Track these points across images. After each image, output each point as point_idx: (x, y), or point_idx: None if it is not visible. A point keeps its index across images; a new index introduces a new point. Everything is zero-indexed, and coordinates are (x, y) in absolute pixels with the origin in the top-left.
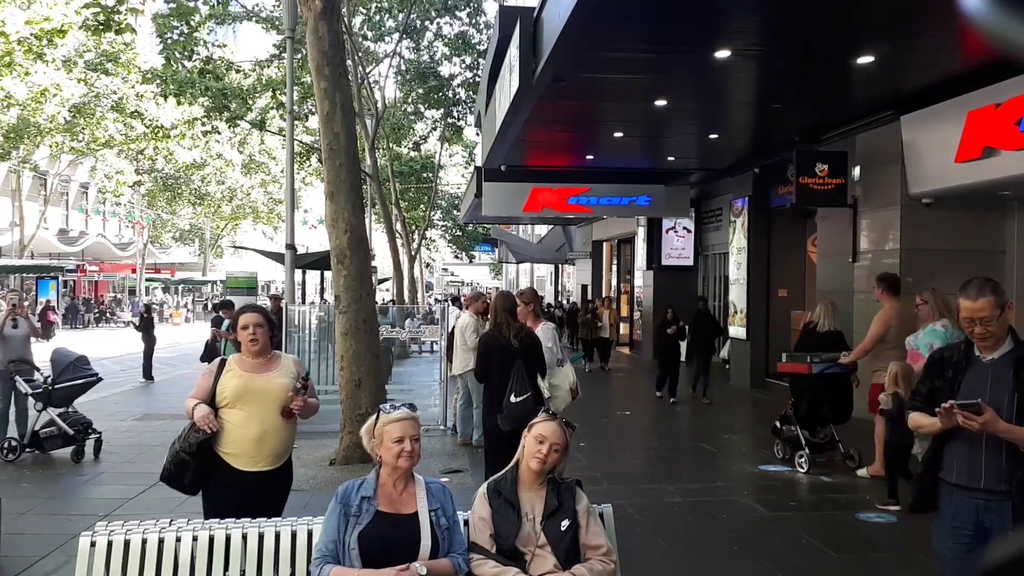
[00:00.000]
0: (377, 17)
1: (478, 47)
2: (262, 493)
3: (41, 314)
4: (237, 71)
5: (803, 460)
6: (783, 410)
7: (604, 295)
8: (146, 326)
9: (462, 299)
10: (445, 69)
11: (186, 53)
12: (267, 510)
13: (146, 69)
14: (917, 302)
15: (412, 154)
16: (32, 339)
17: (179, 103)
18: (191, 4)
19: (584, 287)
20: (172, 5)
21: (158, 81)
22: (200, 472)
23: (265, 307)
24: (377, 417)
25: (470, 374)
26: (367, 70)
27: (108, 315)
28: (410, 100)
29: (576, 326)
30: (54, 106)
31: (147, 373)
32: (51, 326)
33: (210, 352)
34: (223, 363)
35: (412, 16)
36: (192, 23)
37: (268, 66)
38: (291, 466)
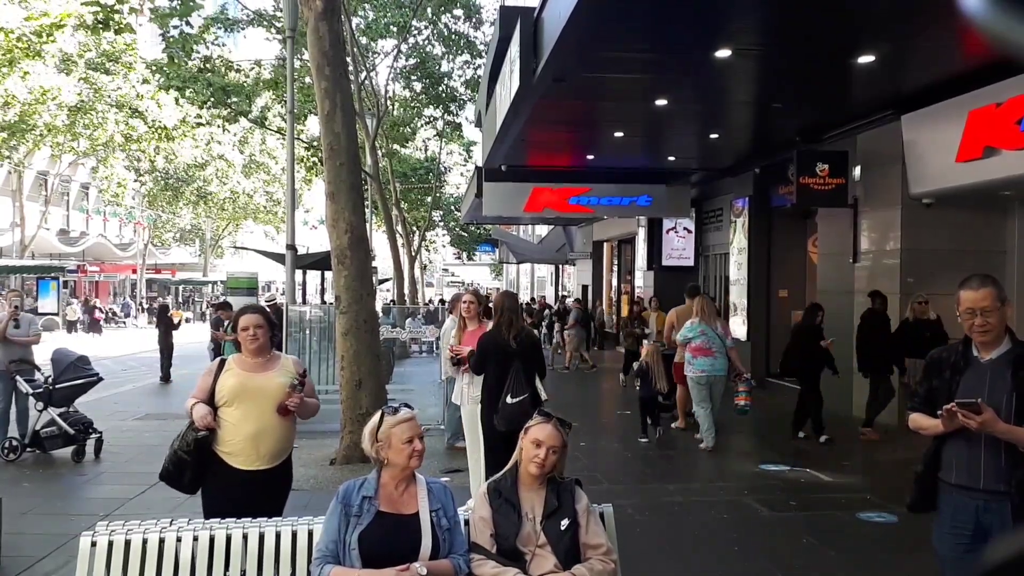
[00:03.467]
0: (372, 16)
1: (477, 45)
2: (260, 492)
3: (88, 311)
4: (237, 70)
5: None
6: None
7: (651, 296)
8: (165, 326)
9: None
10: (442, 66)
11: (186, 51)
12: (266, 509)
13: (146, 63)
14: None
15: (413, 153)
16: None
17: (178, 100)
18: (189, 3)
19: (585, 287)
20: (176, 4)
21: (159, 77)
22: (198, 471)
23: (265, 308)
24: (380, 420)
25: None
26: (368, 70)
27: (109, 316)
28: (410, 92)
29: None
30: (55, 107)
31: (165, 374)
32: (98, 323)
33: (217, 355)
34: (223, 362)
35: (407, 12)
36: (191, 24)
37: (267, 67)
38: (290, 465)
